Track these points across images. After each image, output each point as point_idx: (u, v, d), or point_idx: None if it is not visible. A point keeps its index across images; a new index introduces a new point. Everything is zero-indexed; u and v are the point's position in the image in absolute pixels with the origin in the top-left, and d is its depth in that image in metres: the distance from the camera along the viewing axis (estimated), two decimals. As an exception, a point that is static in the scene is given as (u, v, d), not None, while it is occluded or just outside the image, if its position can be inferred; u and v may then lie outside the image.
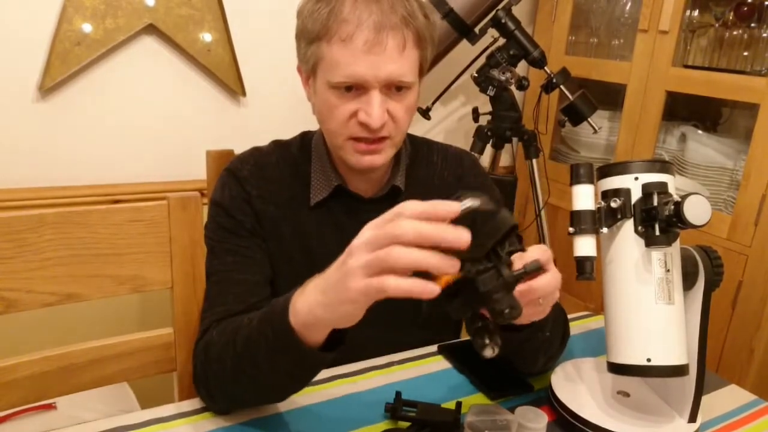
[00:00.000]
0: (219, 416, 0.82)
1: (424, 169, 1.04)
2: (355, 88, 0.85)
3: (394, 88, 0.86)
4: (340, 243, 0.97)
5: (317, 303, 0.66)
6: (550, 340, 0.89)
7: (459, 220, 0.58)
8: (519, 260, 0.64)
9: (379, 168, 0.94)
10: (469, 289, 0.60)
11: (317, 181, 0.97)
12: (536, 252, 0.66)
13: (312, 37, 0.85)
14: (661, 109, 1.81)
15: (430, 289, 0.57)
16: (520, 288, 0.64)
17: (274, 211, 0.95)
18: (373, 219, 0.97)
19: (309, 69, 0.90)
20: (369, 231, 0.61)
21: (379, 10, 0.82)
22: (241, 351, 0.75)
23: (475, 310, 0.64)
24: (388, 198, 0.99)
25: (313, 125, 1.00)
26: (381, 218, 0.61)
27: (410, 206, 0.59)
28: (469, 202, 0.58)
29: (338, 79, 0.84)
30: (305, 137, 1.02)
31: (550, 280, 0.66)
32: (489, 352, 0.62)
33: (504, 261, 0.61)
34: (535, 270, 0.63)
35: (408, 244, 0.57)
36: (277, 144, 1.01)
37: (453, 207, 0.57)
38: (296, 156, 0.99)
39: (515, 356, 0.92)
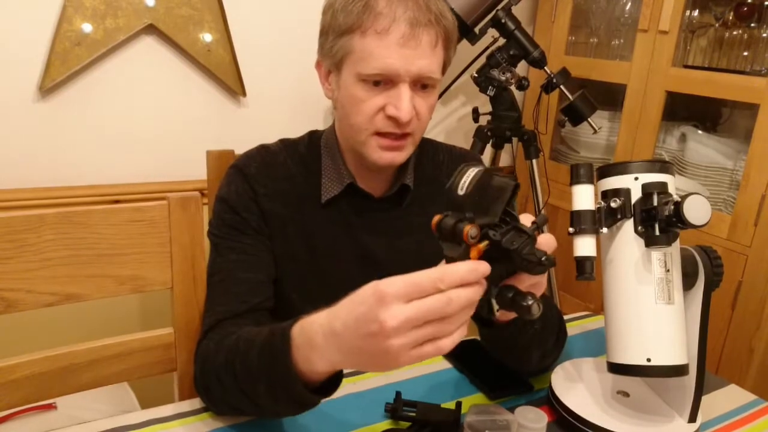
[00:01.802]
0: (219, 416, 0.82)
1: (430, 168, 1.04)
2: (383, 83, 0.86)
3: (420, 85, 0.88)
4: (347, 242, 0.98)
5: (343, 363, 0.63)
6: (542, 334, 0.88)
7: (472, 192, 0.60)
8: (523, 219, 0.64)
9: (398, 165, 0.94)
10: (498, 255, 0.60)
11: (328, 179, 0.97)
12: (527, 217, 0.66)
13: (344, 29, 0.86)
14: (661, 109, 1.81)
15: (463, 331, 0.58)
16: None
17: (280, 209, 0.95)
18: (382, 218, 0.98)
19: (334, 63, 0.90)
20: (402, 310, 0.55)
21: (415, 6, 0.84)
22: (243, 380, 0.73)
23: (507, 274, 0.64)
24: (398, 196, 0.99)
25: (313, 125, 1.00)
26: (403, 287, 0.56)
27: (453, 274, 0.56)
28: (473, 170, 0.61)
29: (370, 71, 0.85)
30: (313, 136, 1.02)
31: (550, 239, 0.66)
32: (537, 309, 0.61)
33: (517, 218, 0.62)
34: (544, 222, 0.63)
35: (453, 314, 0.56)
36: (284, 142, 1.01)
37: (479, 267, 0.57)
38: (304, 154, 0.99)
39: (509, 353, 0.92)
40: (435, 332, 0.56)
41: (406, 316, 0.54)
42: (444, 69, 0.93)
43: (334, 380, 0.69)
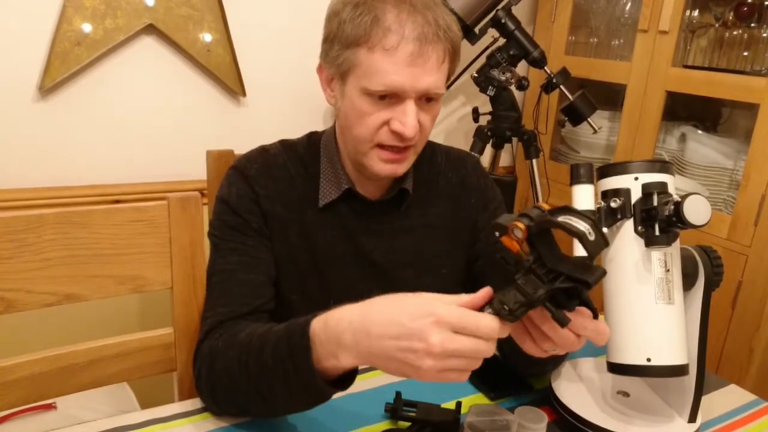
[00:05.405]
0: (219, 416, 0.82)
1: (428, 170, 1.04)
2: (389, 97, 0.85)
3: (425, 99, 0.87)
4: (346, 245, 0.98)
5: (367, 362, 0.66)
6: (560, 361, 0.92)
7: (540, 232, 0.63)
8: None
9: (399, 176, 0.94)
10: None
11: (326, 183, 0.97)
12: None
13: (350, 41, 0.84)
14: (661, 109, 1.81)
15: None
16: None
17: (281, 211, 0.95)
18: (380, 221, 0.98)
19: (338, 72, 0.88)
20: (451, 339, 0.61)
21: (423, 22, 0.82)
22: (257, 377, 0.74)
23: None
24: (396, 200, 0.99)
25: (313, 125, 1.00)
26: (451, 317, 0.61)
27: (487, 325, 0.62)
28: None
29: (377, 87, 0.83)
30: (312, 138, 1.02)
31: (574, 342, 0.69)
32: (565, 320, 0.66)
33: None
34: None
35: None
36: (284, 144, 1.01)
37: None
38: (303, 157, 0.99)
39: (518, 360, 0.93)
40: (460, 365, 0.62)
41: (452, 347, 0.60)
42: (448, 79, 0.92)
43: (350, 374, 0.71)
